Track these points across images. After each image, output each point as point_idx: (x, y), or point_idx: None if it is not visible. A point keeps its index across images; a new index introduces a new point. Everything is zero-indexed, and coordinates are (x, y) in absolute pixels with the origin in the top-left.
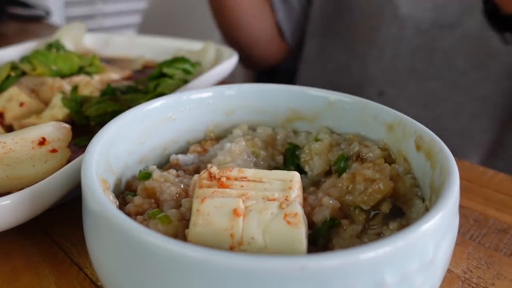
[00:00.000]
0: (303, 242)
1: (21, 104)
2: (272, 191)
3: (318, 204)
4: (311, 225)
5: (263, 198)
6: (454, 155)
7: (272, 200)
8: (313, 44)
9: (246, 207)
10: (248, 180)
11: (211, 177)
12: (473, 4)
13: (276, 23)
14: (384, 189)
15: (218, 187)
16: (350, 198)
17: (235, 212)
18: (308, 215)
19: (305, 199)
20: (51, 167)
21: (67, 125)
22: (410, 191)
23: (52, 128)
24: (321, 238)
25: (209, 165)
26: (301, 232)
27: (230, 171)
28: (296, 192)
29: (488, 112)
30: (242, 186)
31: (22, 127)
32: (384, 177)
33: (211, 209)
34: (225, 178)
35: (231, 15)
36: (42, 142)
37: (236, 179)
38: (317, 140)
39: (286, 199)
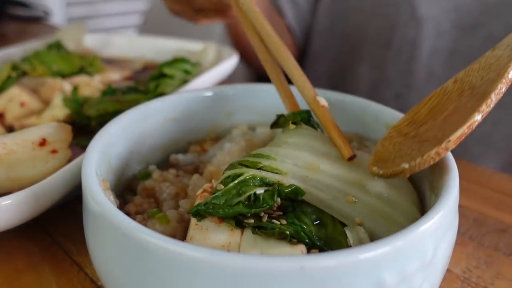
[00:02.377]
0: None
1: (22, 104)
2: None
3: None
4: None
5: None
6: (473, 162)
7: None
8: (318, 43)
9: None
10: None
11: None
12: (496, 5)
13: (286, 27)
14: None
15: None
16: None
17: (233, 229)
18: None
19: None
20: (52, 167)
21: (68, 126)
22: None
23: (53, 129)
24: None
25: (213, 180)
26: (299, 250)
27: None
28: None
29: (510, 119)
30: None
31: (23, 127)
32: None
33: (210, 224)
34: None
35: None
36: (43, 143)
37: None
38: None
39: None
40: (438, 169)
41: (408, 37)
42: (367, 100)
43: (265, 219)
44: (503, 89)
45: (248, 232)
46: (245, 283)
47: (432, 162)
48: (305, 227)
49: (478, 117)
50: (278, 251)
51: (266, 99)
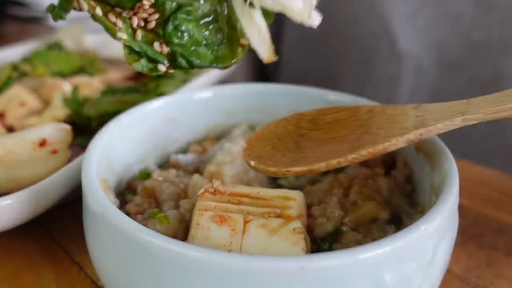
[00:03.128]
0: None
1: (22, 104)
2: (275, 208)
3: (322, 215)
4: (314, 238)
5: (265, 215)
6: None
7: (273, 218)
8: (291, 69)
9: (247, 223)
10: (251, 197)
11: (214, 191)
12: (481, 44)
13: None
14: (373, 213)
15: (221, 202)
16: (348, 204)
17: (235, 229)
18: (312, 228)
19: (309, 211)
20: (52, 168)
21: (68, 126)
22: (405, 204)
23: (53, 129)
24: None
25: (214, 180)
26: (300, 250)
27: (234, 187)
28: (298, 210)
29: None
30: (245, 202)
31: (24, 127)
32: (377, 198)
33: (211, 224)
34: (227, 194)
35: None
36: (43, 143)
37: (239, 195)
38: None
39: (288, 217)
40: (438, 169)
41: (387, 73)
42: (367, 100)
43: (139, 36)
44: (363, 158)
45: (249, 231)
46: (246, 283)
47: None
48: (183, 42)
49: (322, 167)
50: (279, 251)
51: (266, 99)
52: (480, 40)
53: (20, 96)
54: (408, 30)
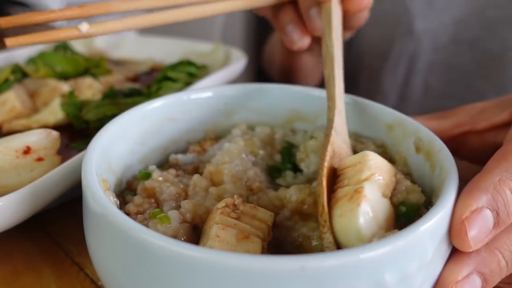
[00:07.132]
0: None
1: (11, 111)
2: None
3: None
4: None
5: None
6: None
7: None
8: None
9: (264, 243)
10: (263, 221)
11: (234, 206)
12: (495, 21)
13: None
14: None
15: (239, 220)
16: None
17: (252, 250)
18: None
19: None
20: (38, 175)
21: (56, 133)
22: None
23: (38, 136)
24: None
25: (235, 196)
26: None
27: (252, 208)
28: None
29: None
30: (261, 227)
31: (11, 129)
32: None
33: (231, 239)
34: (245, 212)
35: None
36: (27, 151)
37: (257, 218)
38: (312, 138)
39: None
40: (438, 169)
41: (406, 50)
42: (367, 100)
43: None
44: None
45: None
46: (246, 283)
47: None
48: None
49: None
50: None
51: (265, 99)
52: (493, 17)
53: (13, 101)
54: (427, 11)
